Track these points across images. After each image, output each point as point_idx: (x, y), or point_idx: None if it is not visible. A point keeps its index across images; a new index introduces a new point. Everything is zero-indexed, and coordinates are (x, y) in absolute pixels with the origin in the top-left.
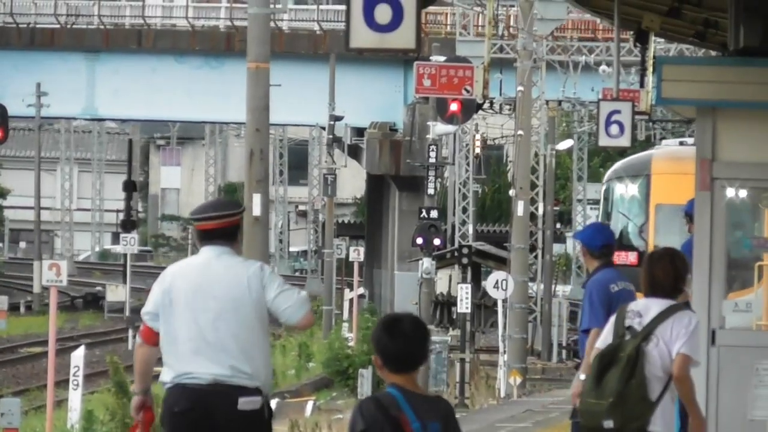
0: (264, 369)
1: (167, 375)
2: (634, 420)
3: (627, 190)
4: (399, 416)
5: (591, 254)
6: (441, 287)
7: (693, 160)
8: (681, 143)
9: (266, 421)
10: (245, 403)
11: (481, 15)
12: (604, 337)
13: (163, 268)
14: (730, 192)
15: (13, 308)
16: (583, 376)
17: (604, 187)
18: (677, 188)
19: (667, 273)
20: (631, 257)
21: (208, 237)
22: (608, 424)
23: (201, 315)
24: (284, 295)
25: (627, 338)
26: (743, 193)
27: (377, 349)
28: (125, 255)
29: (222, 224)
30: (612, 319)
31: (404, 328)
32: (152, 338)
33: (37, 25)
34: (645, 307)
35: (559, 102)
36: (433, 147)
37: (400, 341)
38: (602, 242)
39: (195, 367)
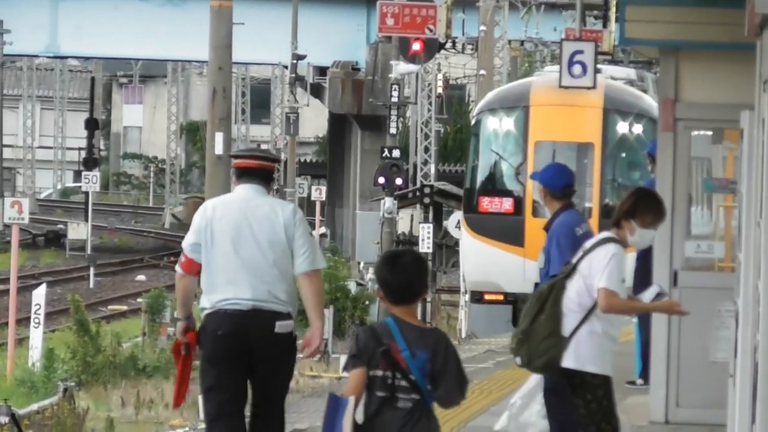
0: (294, 297)
1: (207, 301)
2: (540, 356)
3: (501, 125)
4: (390, 344)
5: (552, 195)
6: (403, 227)
7: (582, 90)
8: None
9: (295, 349)
10: (281, 326)
11: None
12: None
13: (127, 206)
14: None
15: None
16: None
17: (473, 121)
18: (561, 122)
19: (622, 203)
20: (506, 204)
21: (247, 175)
22: (517, 360)
23: (242, 246)
24: (307, 245)
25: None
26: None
27: (379, 281)
28: (87, 193)
29: (262, 166)
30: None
31: (404, 263)
32: (193, 269)
33: None
34: (588, 242)
35: (522, 42)
36: (395, 86)
37: (400, 275)
38: (563, 182)
39: (235, 294)
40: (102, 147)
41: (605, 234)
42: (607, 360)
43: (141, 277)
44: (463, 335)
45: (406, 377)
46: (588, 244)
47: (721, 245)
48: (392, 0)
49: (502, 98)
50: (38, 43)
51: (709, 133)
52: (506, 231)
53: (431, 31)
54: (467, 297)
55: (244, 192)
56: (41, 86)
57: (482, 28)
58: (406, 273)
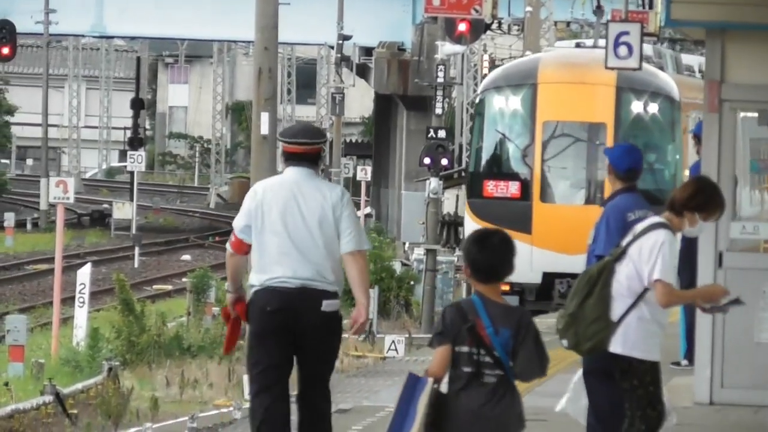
0: (341, 277)
1: (256, 279)
2: (587, 340)
3: (507, 104)
4: (475, 321)
5: (615, 174)
6: (448, 207)
7: (593, 66)
8: (577, 45)
9: (341, 327)
10: (327, 305)
11: None
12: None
13: (172, 186)
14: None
15: (20, 225)
16: None
17: (477, 100)
18: (572, 101)
19: (683, 190)
20: (513, 188)
21: (295, 158)
22: (563, 342)
23: (291, 227)
24: (353, 224)
25: (608, 257)
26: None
27: (467, 260)
28: (132, 173)
29: (310, 150)
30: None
31: (492, 243)
32: (242, 249)
33: None
34: (640, 225)
35: (568, 23)
36: (441, 67)
37: (487, 255)
38: (628, 165)
39: (284, 272)
40: (147, 127)
41: (657, 219)
42: (655, 346)
43: (186, 257)
44: None
45: (490, 353)
46: (639, 227)
47: (767, 226)
48: None
49: (508, 75)
50: (84, 23)
51: (755, 114)
52: (512, 217)
53: (477, 11)
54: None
55: (293, 174)
56: (87, 66)
57: (528, 8)
58: (494, 253)
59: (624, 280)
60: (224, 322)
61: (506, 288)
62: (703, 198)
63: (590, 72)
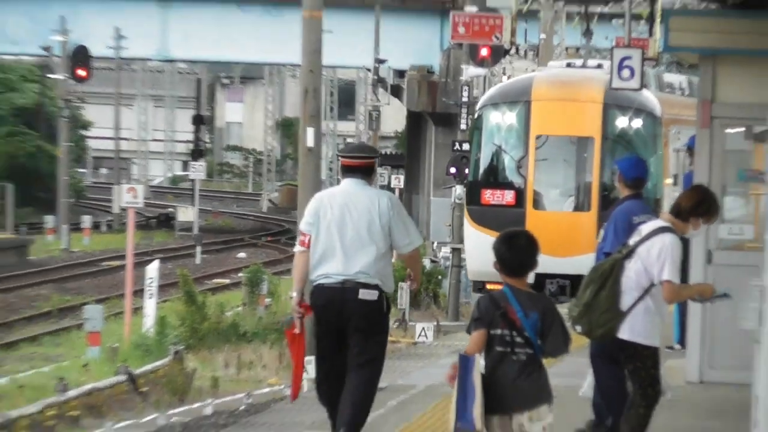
0: (384, 272)
1: (312, 275)
2: (599, 327)
3: (504, 119)
4: (507, 307)
5: (624, 183)
6: None
7: (582, 85)
8: (568, 65)
9: (384, 310)
10: (364, 293)
11: None
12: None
13: (229, 192)
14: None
15: (95, 226)
16: None
17: (476, 115)
18: (562, 117)
19: (689, 199)
20: (508, 196)
21: (351, 171)
22: (578, 328)
23: (342, 230)
24: (403, 225)
25: (617, 254)
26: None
27: (497, 257)
28: (194, 180)
29: (363, 163)
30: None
31: (519, 243)
32: (310, 245)
33: None
34: (646, 228)
35: (577, 49)
36: (465, 87)
37: (515, 252)
38: (635, 175)
39: (328, 270)
40: (207, 140)
41: (662, 223)
42: (657, 334)
43: (242, 255)
44: None
45: (521, 334)
46: (645, 229)
47: (750, 228)
48: (463, 11)
49: (504, 93)
50: (150, 48)
51: (736, 129)
52: (508, 223)
53: (498, 38)
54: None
55: (348, 185)
56: (153, 86)
57: (542, 36)
58: (521, 251)
59: (633, 275)
60: (290, 349)
61: (501, 287)
62: (707, 206)
63: (579, 90)
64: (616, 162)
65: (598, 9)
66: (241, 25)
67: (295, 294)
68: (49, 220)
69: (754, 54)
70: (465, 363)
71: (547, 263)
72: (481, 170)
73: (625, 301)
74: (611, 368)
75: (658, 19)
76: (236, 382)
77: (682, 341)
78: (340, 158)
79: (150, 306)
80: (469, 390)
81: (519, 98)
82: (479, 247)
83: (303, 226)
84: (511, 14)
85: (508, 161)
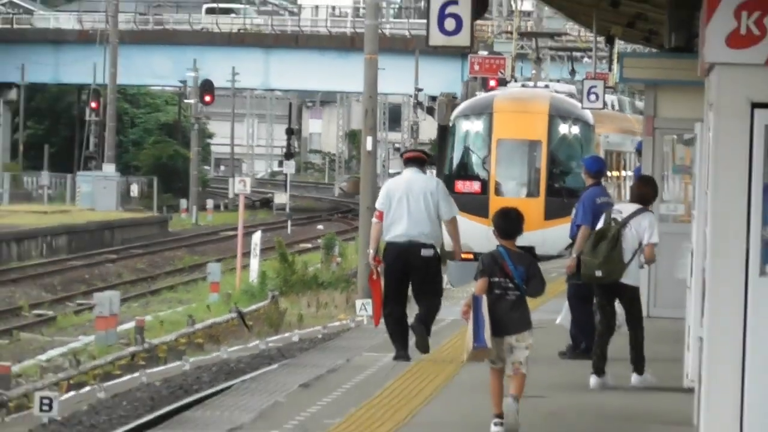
0: (435, 234)
1: (386, 236)
2: (613, 274)
3: (472, 127)
4: (502, 262)
5: (588, 174)
6: None
7: (533, 100)
8: (523, 85)
9: (438, 263)
10: (425, 252)
11: (510, 25)
12: (600, 223)
13: (311, 183)
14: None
15: (216, 207)
16: (575, 254)
17: (451, 124)
18: (517, 125)
19: (654, 191)
20: (475, 186)
21: (409, 162)
22: (598, 273)
23: (406, 203)
24: (446, 202)
25: (612, 225)
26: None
27: (495, 226)
28: (286, 174)
29: (418, 156)
30: (604, 214)
31: (511, 216)
32: (381, 217)
33: (232, 30)
34: (623, 208)
35: (558, 80)
36: None
37: (508, 222)
38: (597, 168)
39: (399, 232)
40: (296, 146)
41: (641, 206)
42: (639, 278)
43: (320, 227)
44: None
45: (512, 281)
46: (631, 209)
47: (682, 206)
48: (477, 54)
49: (472, 106)
50: (256, 81)
51: (675, 137)
52: (475, 206)
53: (502, 73)
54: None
55: (408, 173)
56: (258, 108)
57: (533, 71)
58: (511, 222)
59: (630, 240)
60: (371, 289)
61: (470, 256)
62: (654, 191)
63: (531, 104)
64: (582, 160)
65: (548, 43)
66: (321, 65)
67: (371, 251)
68: (183, 203)
69: (683, 83)
70: (476, 301)
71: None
72: (454, 166)
73: (626, 257)
74: (585, 307)
75: (615, 59)
76: (315, 318)
77: None
78: (402, 155)
79: (254, 263)
80: (480, 320)
81: (484, 111)
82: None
83: (377, 204)
84: (511, 56)
85: (475, 159)
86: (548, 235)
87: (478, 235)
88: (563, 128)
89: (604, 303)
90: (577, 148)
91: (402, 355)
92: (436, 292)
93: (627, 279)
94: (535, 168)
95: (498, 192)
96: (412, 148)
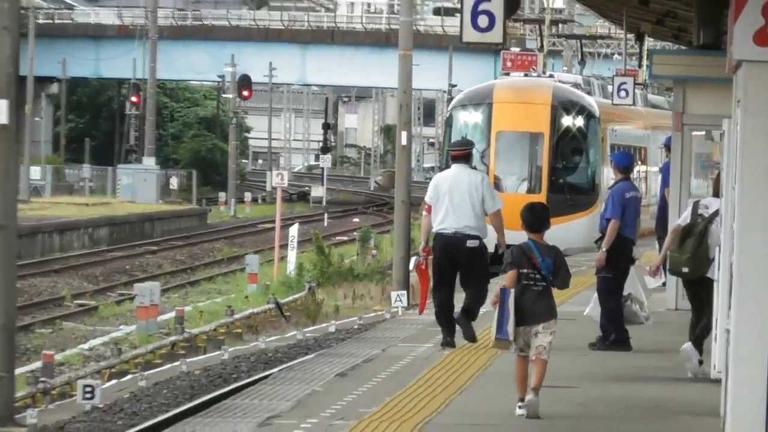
0: (481, 225)
1: (435, 228)
2: (700, 269)
3: (470, 118)
4: (531, 254)
5: (618, 169)
6: None
7: (535, 90)
8: (525, 74)
9: (484, 254)
10: (470, 243)
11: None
12: (683, 218)
13: (347, 176)
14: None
15: (254, 200)
16: (605, 248)
17: (447, 115)
18: (518, 116)
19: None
20: None
21: (456, 159)
22: (685, 269)
23: (453, 197)
24: (490, 196)
25: (699, 220)
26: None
27: (523, 220)
28: (323, 168)
29: (463, 153)
30: (690, 207)
31: (536, 210)
32: (431, 210)
33: (270, 26)
34: (709, 203)
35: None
36: None
37: (534, 216)
38: (625, 164)
39: (446, 225)
40: (332, 140)
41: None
42: None
43: (356, 219)
44: None
45: (539, 273)
46: (717, 204)
47: (710, 199)
48: (509, 51)
49: (471, 96)
50: (293, 76)
51: (703, 132)
52: None
53: (534, 70)
54: None
55: (455, 168)
56: (294, 102)
57: (564, 68)
58: (538, 215)
59: (716, 235)
60: (418, 275)
61: None
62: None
63: (533, 94)
64: (611, 156)
65: (603, 50)
66: (356, 61)
67: (422, 242)
68: (221, 196)
69: (711, 80)
70: (503, 293)
71: (507, 235)
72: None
73: (713, 252)
74: (614, 299)
75: (645, 56)
76: (351, 309)
77: (664, 283)
78: (449, 151)
79: (292, 255)
80: (505, 313)
81: (483, 101)
82: None
83: (426, 198)
84: (542, 53)
85: (473, 152)
86: (550, 234)
87: None
88: (567, 120)
89: (691, 295)
90: (582, 142)
91: (448, 341)
92: (482, 280)
93: (712, 273)
94: (536, 162)
95: (497, 187)
96: (458, 144)
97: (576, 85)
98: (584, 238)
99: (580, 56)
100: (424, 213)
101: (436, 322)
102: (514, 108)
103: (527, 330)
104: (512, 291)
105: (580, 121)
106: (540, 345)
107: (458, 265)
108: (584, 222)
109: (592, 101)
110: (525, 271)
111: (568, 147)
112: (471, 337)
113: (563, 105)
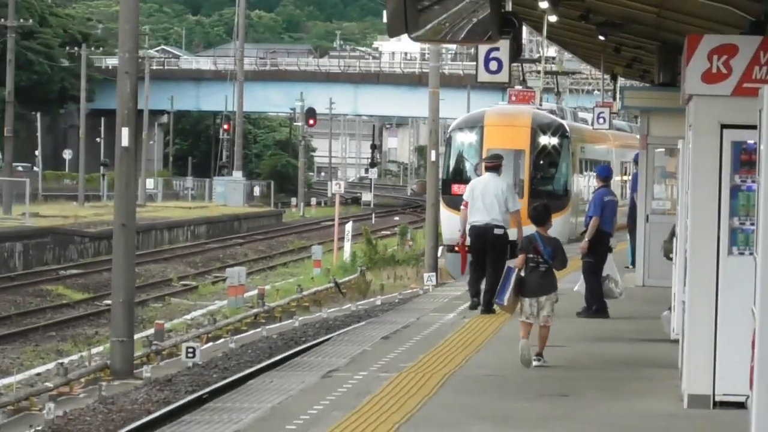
0: (504, 219)
1: (470, 220)
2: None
3: (466, 138)
4: (535, 243)
5: (599, 179)
6: None
7: (518, 115)
8: (510, 103)
9: (506, 239)
10: (496, 232)
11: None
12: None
13: (389, 185)
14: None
15: (318, 203)
16: (587, 239)
17: (447, 136)
18: (504, 136)
19: None
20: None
21: (488, 169)
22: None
23: (485, 198)
24: (512, 198)
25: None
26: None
27: (530, 216)
28: (371, 179)
29: (494, 165)
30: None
31: (538, 208)
32: (468, 205)
33: (330, 70)
34: None
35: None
36: None
37: (536, 213)
38: (606, 174)
39: (478, 218)
40: (378, 157)
41: None
42: None
43: (396, 218)
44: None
45: (542, 257)
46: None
47: (668, 202)
48: (514, 88)
49: (466, 121)
50: (348, 108)
51: (663, 149)
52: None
53: (533, 103)
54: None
55: (487, 176)
56: (349, 128)
57: (554, 102)
58: (538, 213)
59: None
60: (458, 250)
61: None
62: None
63: (516, 119)
64: (595, 168)
65: (586, 86)
66: (396, 96)
67: (459, 230)
68: (293, 200)
69: (668, 110)
70: (509, 271)
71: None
72: (451, 171)
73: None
74: (596, 278)
75: (618, 92)
76: (393, 287)
77: (633, 263)
78: (484, 162)
79: (347, 246)
80: (506, 285)
81: (476, 124)
82: (450, 223)
83: (464, 196)
84: (540, 91)
85: (468, 166)
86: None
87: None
88: (544, 139)
89: None
90: (556, 157)
91: (476, 303)
92: (500, 261)
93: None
94: (519, 174)
95: None
96: (490, 158)
97: (552, 111)
98: (559, 233)
99: (556, 89)
100: (462, 207)
101: (468, 286)
102: (501, 130)
103: (533, 302)
104: (516, 270)
105: (554, 140)
106: (546, 314)
107: (487, 247)
108: (559, 221)
109: (565, 124)
110: (531, 255)
111: (545, 161)
112: (489, 311)
113: (540, 127)
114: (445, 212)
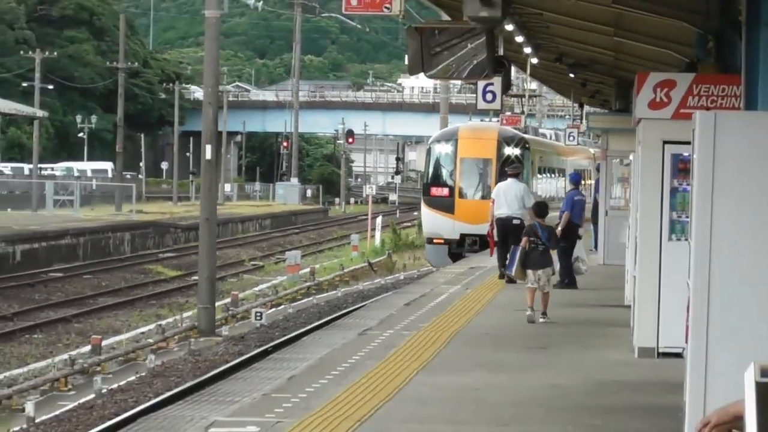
0: (523, 213)
1: (496, 213)
2: None
3: (443, 149)
4: (536, 230)
5: (571, 183)
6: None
7: (486, 130)
8: (481, 119)
9: (523, 227)
10: (515, 221)
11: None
12: None
13: (410, 188)
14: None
15: (355, 202)
16: (560, 228)
17: (428, 147)
18: (475, 148)
19: None
20: (445, 191)
21: (510, 176)
22: None
23: (507, 197)
24: (528, 197)
25: None
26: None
27: (532, 210)
28: (396, 183)
29: (515, 173)
30: None
31: (539, 204)
32: (494, 203)
33: (364, 101)
34: None
35: (554, 128)
36: None
37: (539, 208)
38: (576, 179)
39: (503, 211)
40: (401, 167)
41: None
42: None
43: (415, 213)
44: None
45: (541, 240)
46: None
47: (623, 201)
48: (505, 114)
49: (443, 134)
50: (378, 129)
51: (617, 160)
52: (445, 206)
53: (518, 127)
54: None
55: (510, 180)
56: (379, 145)
57: (535, 123)
58: (540, 207)
59: None
60: (488, 237)
61: (441, 241)
62: None
63: (484, 132)
64: (569, 175)
65: (560, 112)
66: (415, 120)
67: (489, 222)
68: (336, 200)
69: (623, 130)
70: (514, 249)
71: (466, 228)
72: (431, 177)
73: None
74: (567, 259)
75: (584, 116)
76: (413, 266)
77: (596, 247)
78: (507, 170)
79: (378, 235)
80: (513, 259)
81: (452, 137)
82: (429, 219)
83: (492, 195)
84: (523, 115)
85: (445, 172)
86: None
87: (446, 226)
88: (508, 150)
89: None
90: (518, 164)
91: (501, 273)
92: (517, 243)
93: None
94: (487, 179)
95: (461, 195)
96: (512, 168)
97: (518, 128)
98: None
99: (521, 109)
100: (491, 204)
101: (497, 262)
102: (473, 142)
103: (535, 272)
104: (520, 248)
105: (516, 151)
106: (544, 283)
107: (509, 233)
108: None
109: (527, 137)
110: (533, 239)
111: (510, 168)
112: (511, 280)
113: (505, 140)
114: (425, 210)
